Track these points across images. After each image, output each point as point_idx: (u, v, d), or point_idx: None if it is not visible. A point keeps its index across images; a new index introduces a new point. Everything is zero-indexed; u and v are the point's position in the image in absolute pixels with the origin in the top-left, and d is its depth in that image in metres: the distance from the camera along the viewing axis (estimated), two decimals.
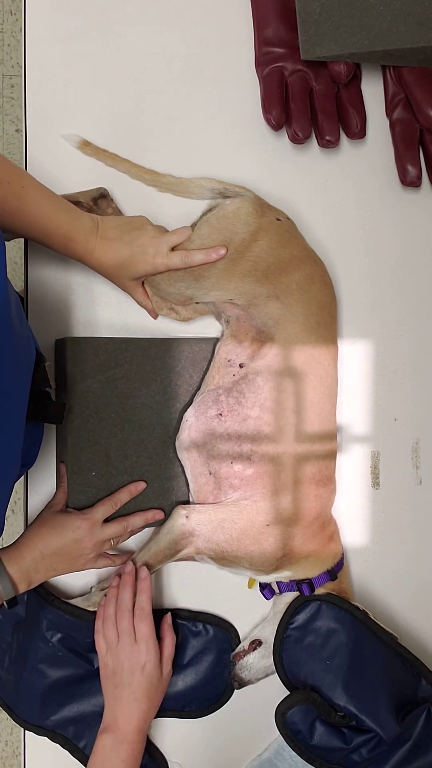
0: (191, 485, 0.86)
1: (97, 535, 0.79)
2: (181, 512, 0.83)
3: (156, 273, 0.80)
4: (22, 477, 0.88)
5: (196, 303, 0.86)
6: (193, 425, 0.84)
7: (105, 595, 0.84)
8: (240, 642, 0.90)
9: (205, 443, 0.83)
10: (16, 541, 0.78)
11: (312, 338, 0.83)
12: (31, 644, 0.85)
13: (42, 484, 0.87)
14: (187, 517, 0.82)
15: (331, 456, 0.87)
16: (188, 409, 0.85)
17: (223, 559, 0.83)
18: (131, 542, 0.88)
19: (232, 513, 0.82)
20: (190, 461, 0.85)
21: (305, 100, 0.90)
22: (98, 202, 0.85)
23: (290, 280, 0.82)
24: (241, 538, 0.82)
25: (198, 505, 0.84)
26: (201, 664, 0.89)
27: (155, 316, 0.87)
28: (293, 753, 0.89)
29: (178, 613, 0.89)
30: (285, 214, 0.86)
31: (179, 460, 0.86)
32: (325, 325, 0.85)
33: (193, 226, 0.82)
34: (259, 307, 0.82)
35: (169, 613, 0.86)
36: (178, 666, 0.88)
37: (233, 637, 0.90)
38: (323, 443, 0.85)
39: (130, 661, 0.79)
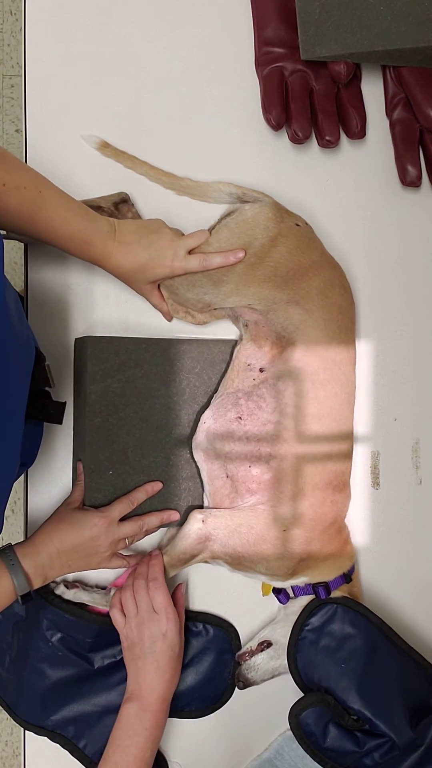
0: (207, 487, 0.86)
1: (113, 533, 0.79)
2: (197, 516, 0.83)
3: (173, 276, 0.80)
4: (22, 477, 0.89)
5: (215, 309, 0.86)
6: (211, 427, 0.84)
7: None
8: (240, 642, 0.90)
9: (223, 446, 0.83)
10: (32, 536, 0.78)
11: (333, 344, 0.83)
12: (32, 644, 0.85)
13: (42, 484, 0.87)
14: (203, 521, 0.82)
15: (348, 461, 0.87)
16: (206, 411, 0.85)
17: (239, 564, 0.83)
18: (145, 545, 0.88)
19: (248, 518, 0.82)
20: (207, 463, 0.84)
21: (305, 100, 0.90)
22: (119, 206, 0.85)
23: (310, 286, 0.81)
24: (258, 543, 0.82)
25: (214, 510, 0.84)
26: (201, 664, 0.89)
27: (170, 319, 0.87)
28: (293, 753, 0.89)
29: None
30: (303, 219, 0.86)
31: (195, 462, 0.86)
32: (346, 330, 0.85)
33: (211, 230, 0.82)
34: (278, 313, 0.82)
35: (183, 583, 0.87)
36: None
37: (233, 637, 0.90)
38: (341, 449, 0.85)
39: (150, 631, 0.80)
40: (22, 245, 0.88)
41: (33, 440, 0.83)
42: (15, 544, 0.76)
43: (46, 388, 0.80)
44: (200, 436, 0.84)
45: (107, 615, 0.85)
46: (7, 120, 1.79)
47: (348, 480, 0.88)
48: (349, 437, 0.87)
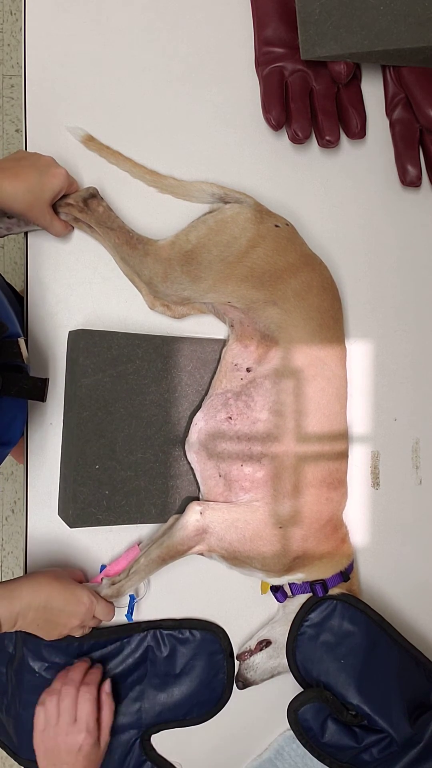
0: (201, 488, 0.86)
1: (87, 617, 0.80)
2: (195, 508, 0.83)
3: (72, 184, 0.81)
4: (22, 476, 0.88)
5: (194, 302, 0.86)
6: (202, 428, 0.84)
7: (115, 588, 0.84)
8: (229, 640, 0.90)
9: (215, 446, 0.83)
10: (17, 581, 0.77)
11: (316, 341, 0.83)
12: (21, 679, 0.84)
13: (42, 484, 0.87)
14: (201, 513, 0.82)
15: (342, 459, 0.87)
16: (197, 413, 0.85)
17: (235, 558, 0.83)
18: (142, 535, 0.88)
19: (245, 513, 0.82)
20: (200, 464, 0.85)
21: (305, 100, 0.90)
22: (88, 202, 0.84)
23: (286, 287, 0.82)
24: (254, 539, 0.82)
25: (212, 503, 0.84)
26: (194, 670, 0.88)
27: (62, 235, 0.86)
28: (294, 753, 0.89)
29: (161, 624, 0.88)
30: (285, 220, 0.86)
31: (187, 460, 0.86)
32: (327, 327, 0.85)
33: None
34: (258, 312, 0.82)
35: (108, 680, 0.84)
36: (171, 677, 0.88)
37: (221, 638, 0.89)
38: (333, 446, 0.85)
39: (66, 743, 0.78)
40: (22, 245, 0.88)
41: (13, 418, 0.81)
42: None
43: (19, 363, 0.78)
44: (192, 438, 0.84)
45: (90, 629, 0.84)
46: (7, 120, 1.79)
47: (344, 478, 0.88)
48: (342, 435, 0.87)
